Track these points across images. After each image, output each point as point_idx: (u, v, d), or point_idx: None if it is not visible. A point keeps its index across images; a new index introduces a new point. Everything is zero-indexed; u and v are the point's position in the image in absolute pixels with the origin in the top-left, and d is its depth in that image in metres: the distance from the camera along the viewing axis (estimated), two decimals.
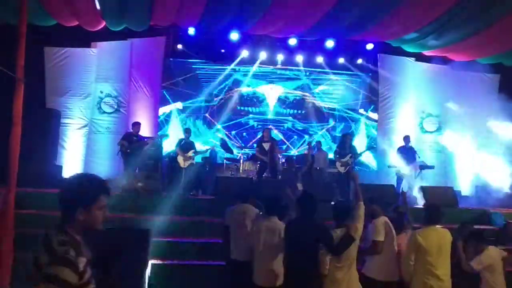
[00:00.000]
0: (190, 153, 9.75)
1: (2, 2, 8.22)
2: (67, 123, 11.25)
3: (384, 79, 12.55)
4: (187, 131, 10.38)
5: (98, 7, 8.73)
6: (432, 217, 4.70)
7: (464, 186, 11.61)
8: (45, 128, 10.18)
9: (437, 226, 4.69)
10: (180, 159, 9.78)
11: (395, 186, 9.99)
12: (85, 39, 11.07)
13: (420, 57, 11.76)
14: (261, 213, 5.23)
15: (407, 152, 10.25)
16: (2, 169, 4.76)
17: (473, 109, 11.73)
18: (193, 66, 12.42)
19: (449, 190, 9.49)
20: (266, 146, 9.73)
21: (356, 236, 4.30)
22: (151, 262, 6.07)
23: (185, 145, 9.95)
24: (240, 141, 11.99)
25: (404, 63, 12.35)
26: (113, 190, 9.26)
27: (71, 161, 11.05)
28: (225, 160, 11.44)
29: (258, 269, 4.76)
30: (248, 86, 12.86)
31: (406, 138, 10.42)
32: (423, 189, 9.25)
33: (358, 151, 10.13)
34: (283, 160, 10.92)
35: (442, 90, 12.18)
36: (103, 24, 9.65)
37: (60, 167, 10.61)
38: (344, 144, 9.99)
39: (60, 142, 11.00)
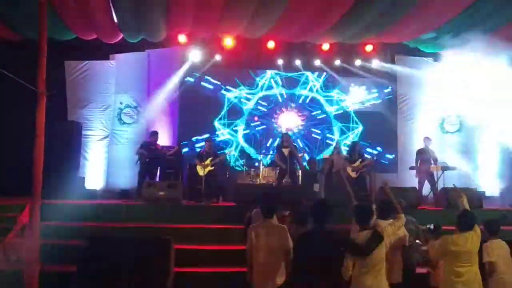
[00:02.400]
0: (208, 161, 9.77)
1: (23, 19, 8.43)
2: (89, 135, 11.44)
3: (402, 80, 12.45)
4: (207, 141, 10.48)
5: (115, 19, 8.88)
6: (463, 224, 4.62)
7: (488, 186, 11.38)
8: (68, 140, 10.37)
9: (470, 232, 4.57)
10: (198, 168, 9.81)
11: (417, 188, 9.88)
12: (104, 52, 11.28)
13: (438, 57, 11.63)
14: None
15: (428, 153, 10.13)
16: (27, 182, 4.85)
17: (495, 108, 11.52)
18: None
19: (473, 191, 9.32)
20: (286, 151, 9.71)
21: (385, 236, 4.22)
22: (173, 270, 6.09)
23: (205, 155, 9.98)
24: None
25: (422, 64, 12.22)
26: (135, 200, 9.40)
27: (94, 172, 11.22)
28: (244, 167, 11.45)
29: (257, 272, 4.72)
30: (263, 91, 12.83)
31: (426, 140, 10.30)
32: (446, 191, 9.10)
33: (367, 157, 10.32)
34: (304, 164, 10.88)
35: (463, 89, 12.00)
36: (121, 36, 9.81)
37: (83, 179, 10.76)
38: (354, 151, 10.08)
39: (82, 153, 11.17)
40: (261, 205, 5.09)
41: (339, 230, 4.91)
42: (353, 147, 10.29)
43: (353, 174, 9.79)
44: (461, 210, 4.90)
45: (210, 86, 12.54)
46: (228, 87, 12.65)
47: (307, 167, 10.55)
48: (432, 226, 5.48)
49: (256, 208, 5.64)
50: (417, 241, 5.60)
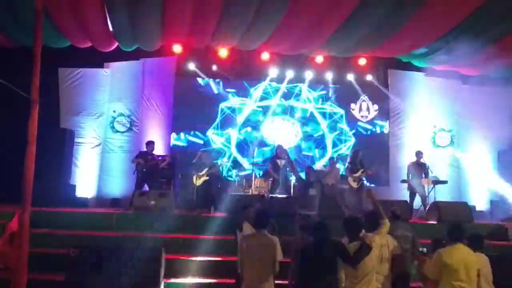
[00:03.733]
0: (204, 171, 9.78)
1: (18, 25, 8.43)
2: (81, 142, 11.37)
3: (395, 94, 12.54)
4: (204, 151, 10.51)
5: (111, 28, 8.90)
6: (454, 235, 4.59)
7: (479, 201, 11.45)
8: (59, 147, 10.31)
9: (461, 244, 4.56)
10: (194, 177, 9.83)
11: (408, 201, 9.92)
12: (98, 59, 11.26)
13: (430, 72, 11.74)
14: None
15: (419, 167, 10.19)
16: (17, 189, 4.81)
17: (486, 123, 11.65)
18: (204, 85, 12.50)
19: (464, 205, 9.39)
20: (279, 162, 9.72)
21: (373, 246, 4.25)
22: (164, 281, 6.06)
23: (199, 165, 9.99)
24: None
25: (414, 78, 12.33)
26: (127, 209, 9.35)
27: (85, 180, 11.15)
28: (237, 177, 11.42)
29: (246, 283, 4.74)
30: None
31: (418, 154, 10.36)
32: (437, 205, 9.15)
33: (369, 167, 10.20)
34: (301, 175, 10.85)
35: (454, 104, 12.16)
36: (116, 44, 9.83)
37: (74, 186, 10.71)
38: (355, 160, 10.05)
39: (73, 161, 11.11)
40: (256, 217, 5.12)
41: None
42: (354, 156, 10.23)
43: (354, 184, 9.74)
44: (452, 223, 4.92)
45: (205, 95, 12.57)
46: (223, 95, 12.67)
47: (303, 176, 10.53)
48: (425, 250, 5.45)
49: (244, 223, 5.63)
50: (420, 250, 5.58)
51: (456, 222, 4.86)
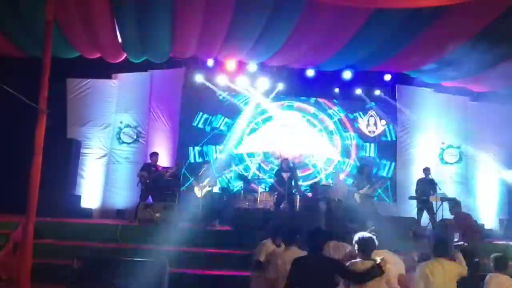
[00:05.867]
0: (205, 182, 9.72)
1: (28, 35, 8.48)
2: (87, 153, 11.36)
3: (402, 110, 12.48)
4: (206, 162, 10.43)
5: (119, 39, 8.94)
6: (438, 250, 4.66)
7: (488, 219, 11.31)
8: (66, 158, 10.33)
9: (444, 259, 4.59)
10: (196, 189, 9.76)
11: (416, 218, 9.81)
12: (106, 70, 11.29)
13: (439, 88, 11.69)
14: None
15: (428, 183, 10.09)
16: (22, 199, 4.78)
17: (495, 140, 11.55)
18: (213, 97, 12.51)
19: None
20: (285, 176, 9.65)
21: (385, 270, 4.15)
22: None
23: (203, 176, 9.93)
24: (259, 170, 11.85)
25: (423, 94, 12.26)
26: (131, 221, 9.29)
27: (90, 191, 11.12)
28: (242, 191, 11.36)
29: None
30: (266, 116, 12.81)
31: (426, 170, 10.27)
32: (445, 222, 9.02)
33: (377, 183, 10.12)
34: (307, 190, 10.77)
35: (463, 121, 12.07)
36: (124, 56, 9.87)
37: (79, 197, 10.67)
38: (362, 175, 9.96)
39: (79, 171, 11.09)
40: (280, 234, 5.03)
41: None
42: (360, 171, 10.14)
43: (360, 201, 9.65)
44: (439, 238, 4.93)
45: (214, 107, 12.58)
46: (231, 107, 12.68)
47: (309, 191, 10.43)
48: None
49: (266, 240, 5.50)
50: None
51: (440, 238, 4.86)
